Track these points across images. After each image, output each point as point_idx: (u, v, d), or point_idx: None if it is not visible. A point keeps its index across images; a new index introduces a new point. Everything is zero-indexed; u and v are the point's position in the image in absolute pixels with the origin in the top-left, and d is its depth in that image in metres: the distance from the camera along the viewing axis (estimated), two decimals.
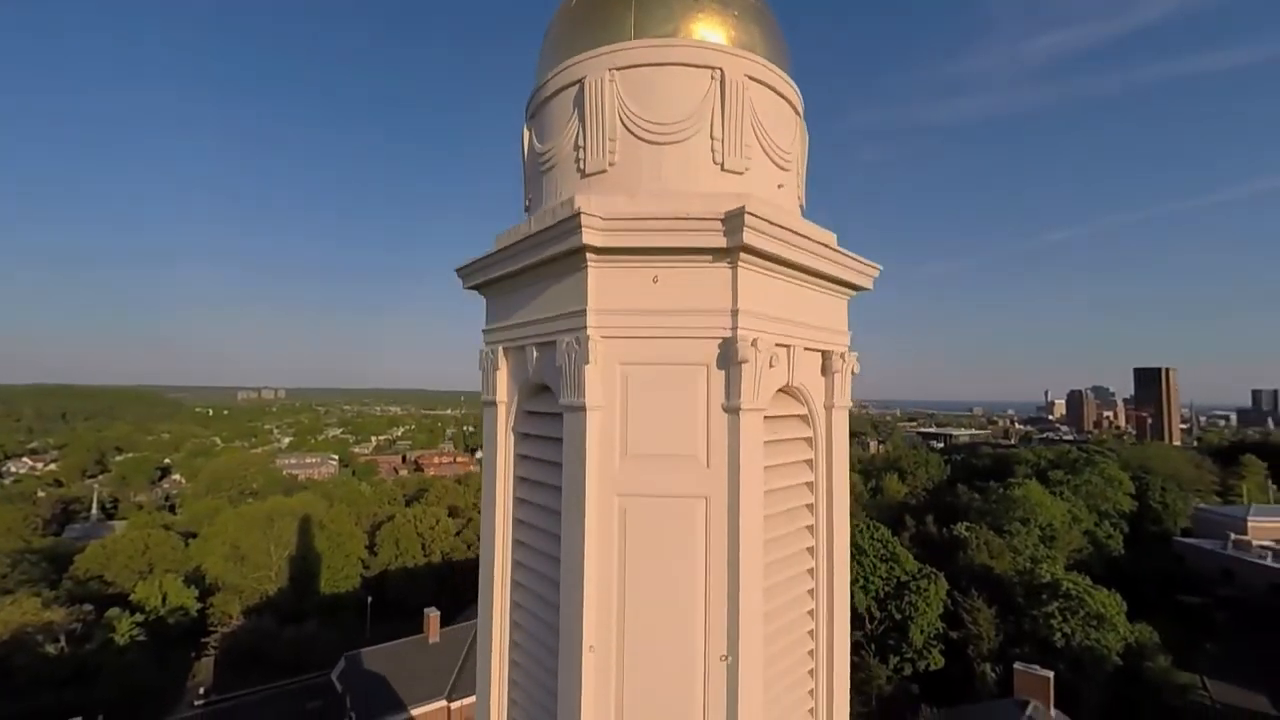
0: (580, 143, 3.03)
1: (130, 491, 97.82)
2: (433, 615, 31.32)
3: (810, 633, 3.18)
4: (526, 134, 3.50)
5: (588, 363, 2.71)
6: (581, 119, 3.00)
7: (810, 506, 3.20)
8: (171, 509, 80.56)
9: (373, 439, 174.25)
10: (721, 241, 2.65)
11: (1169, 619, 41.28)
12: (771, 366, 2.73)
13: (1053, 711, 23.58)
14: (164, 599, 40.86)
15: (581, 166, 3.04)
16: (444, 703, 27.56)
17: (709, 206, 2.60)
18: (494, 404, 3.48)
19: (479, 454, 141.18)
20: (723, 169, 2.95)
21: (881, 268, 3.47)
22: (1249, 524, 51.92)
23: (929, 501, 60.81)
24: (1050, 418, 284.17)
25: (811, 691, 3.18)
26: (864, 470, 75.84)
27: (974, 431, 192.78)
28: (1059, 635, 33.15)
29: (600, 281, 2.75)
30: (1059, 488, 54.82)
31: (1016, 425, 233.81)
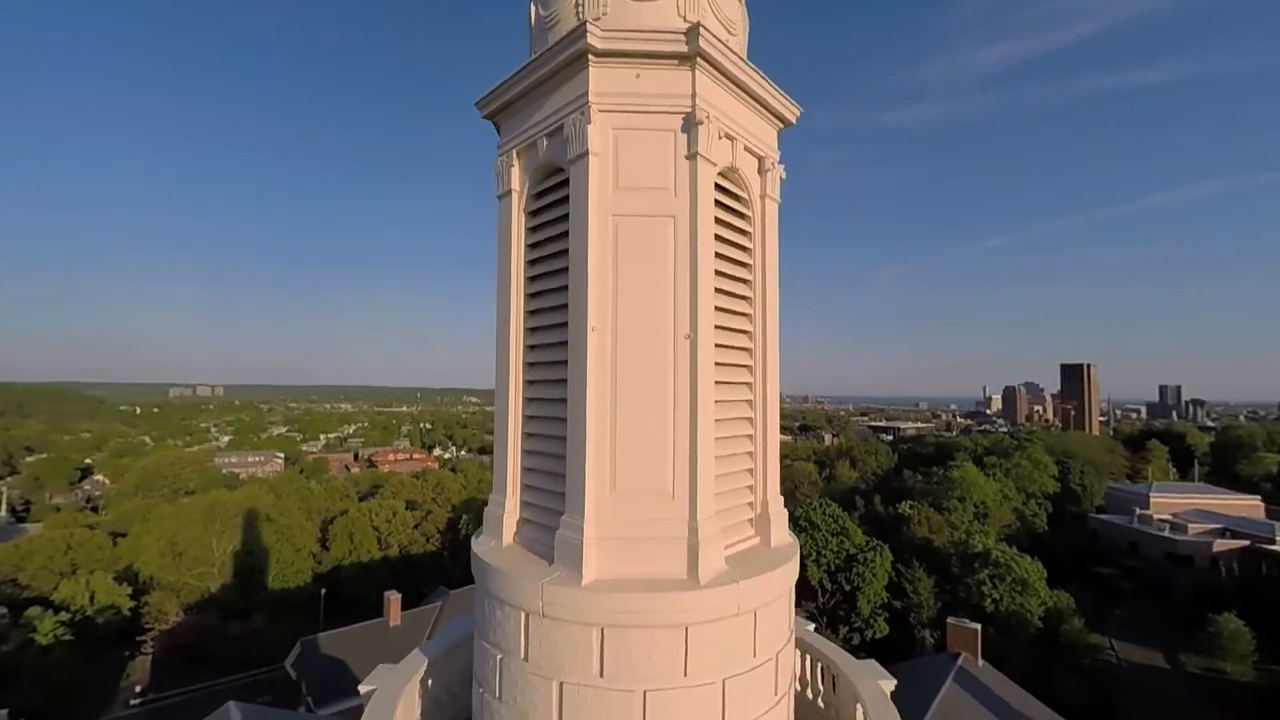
0: (579, 3, 4.04)
1: (45, 494, 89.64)
2: (393, 598, 30.76)
3: (747, 333, 4.35)
4: (532, 9, 4.42)
5: (590, 124, 3.70)
6: None
7: (748, 265, 4.42)
8: (94, 510, 74.41)
9: (322, 437, 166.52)
10: (684, 49, 3.70)
11: (1083, 587, 45.70)
12: (720, 139, 3.70)
13: (980, 661, 25.76)
14: (92, 598, 38.11)
15: (581, 17, 3.98)
16: None
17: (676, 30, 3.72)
18: (508, 194, 4.43)
19: (437, 451, 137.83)
20: (685, 20, 3.98)
21: (802, 109, 4.69)
22: (1151, 500, 57.87)
23: (877, 485, 64.26)
24: (988, 411, 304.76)
25: (750, 374, 4.33)
26: (819, 460, 79.17)
27: (920, 425, 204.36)
28: (989, 601, 36.03)
29: (599, 75, 3.76)
30: (992, 470, 59.22)
31: (958, 418, 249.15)
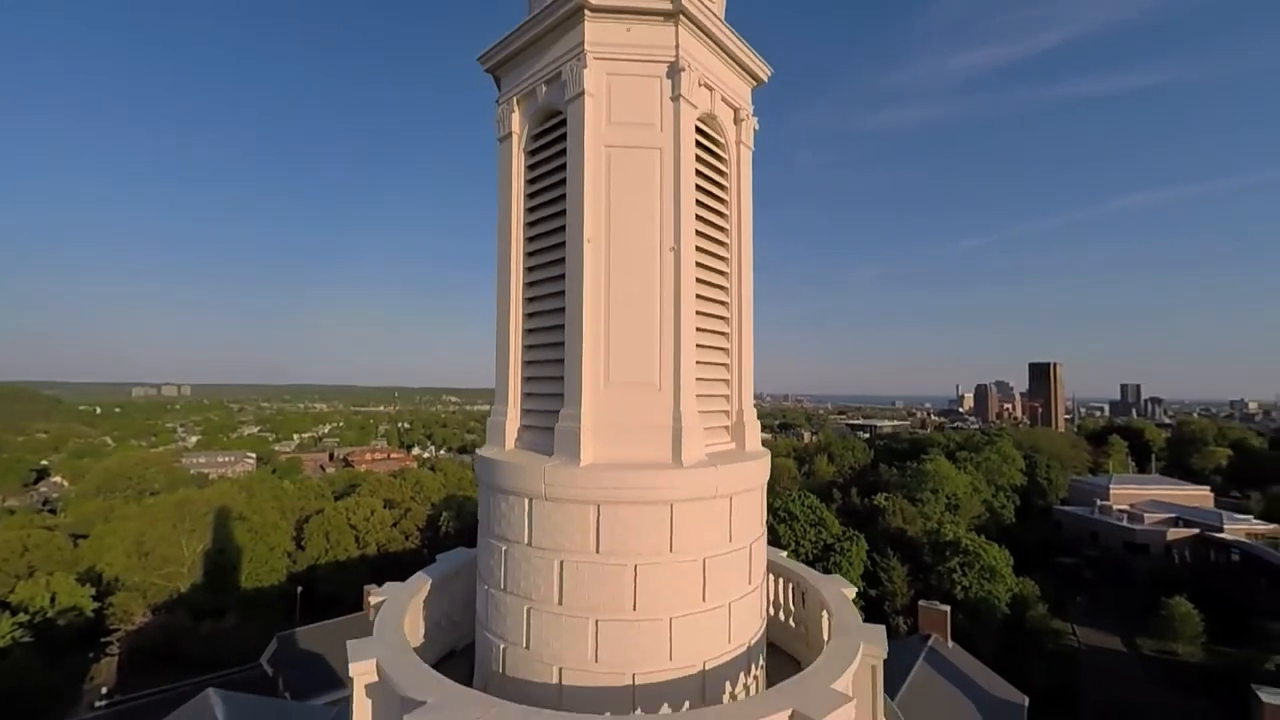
0: None
1: None
2: (373, 591, 30.31)
3: (724, 259, 4.88)
4: None
5: (585, 68, 4.18)
6: None
7: (725, 201, 4.94)
8: (52, 512, 71.36)
9: (296, 436, 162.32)
10: (669, 6, 4.22)
11: (1048, 575, 47.66)
12: (700, 87, 4.19)
13: (950, 643, 26.80)
14: (52, 599, 36.76)
15: None
16: None
17: None
18: (509, 136, 4.92)
19: (416, 450, 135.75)
20: None
21: (773, 70, 5.30)
22: (1111, 491, 60.47)
23: (854, 479, 65.74)
24: (960, 409, 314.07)
25: (726, 295, 4.85)
26: (798, 457, 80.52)
27: (896, 422, 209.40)
28: (959, 588, 37.37)
29: (593, 27, 4.28)
30: (964, 464, 61.17)
31: (932, 416, 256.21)
